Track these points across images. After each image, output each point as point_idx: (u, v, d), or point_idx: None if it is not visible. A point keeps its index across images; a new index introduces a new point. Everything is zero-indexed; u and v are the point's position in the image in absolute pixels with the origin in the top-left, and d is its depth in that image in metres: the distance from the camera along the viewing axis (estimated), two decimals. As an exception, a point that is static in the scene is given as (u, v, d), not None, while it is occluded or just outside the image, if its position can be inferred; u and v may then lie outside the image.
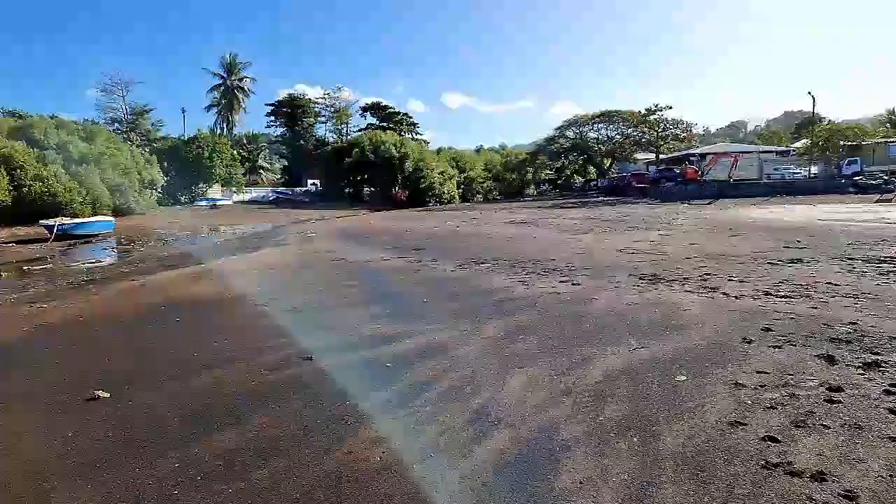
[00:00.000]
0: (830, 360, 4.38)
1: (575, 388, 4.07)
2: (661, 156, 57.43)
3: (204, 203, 46.87)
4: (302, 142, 68.82)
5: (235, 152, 55.30)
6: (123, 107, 55.93)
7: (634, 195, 42.62)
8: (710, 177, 41.75)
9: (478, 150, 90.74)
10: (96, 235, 24.00)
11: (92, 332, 6.61)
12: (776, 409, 3.54)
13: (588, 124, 62.16)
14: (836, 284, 7.28)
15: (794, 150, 51.51)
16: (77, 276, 12.27)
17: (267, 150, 78.42)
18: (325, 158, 58.55)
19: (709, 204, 30.95)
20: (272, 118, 71.69)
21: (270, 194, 56.91)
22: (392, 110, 74.73)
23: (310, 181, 64.14)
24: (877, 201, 26.25)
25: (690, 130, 58.40)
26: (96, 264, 15.39)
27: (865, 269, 8.24)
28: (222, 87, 69.02)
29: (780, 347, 4.76)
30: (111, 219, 27.03)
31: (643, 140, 59.23)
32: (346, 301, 7.84)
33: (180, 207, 43.85)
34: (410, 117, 77.12)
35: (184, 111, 66.97)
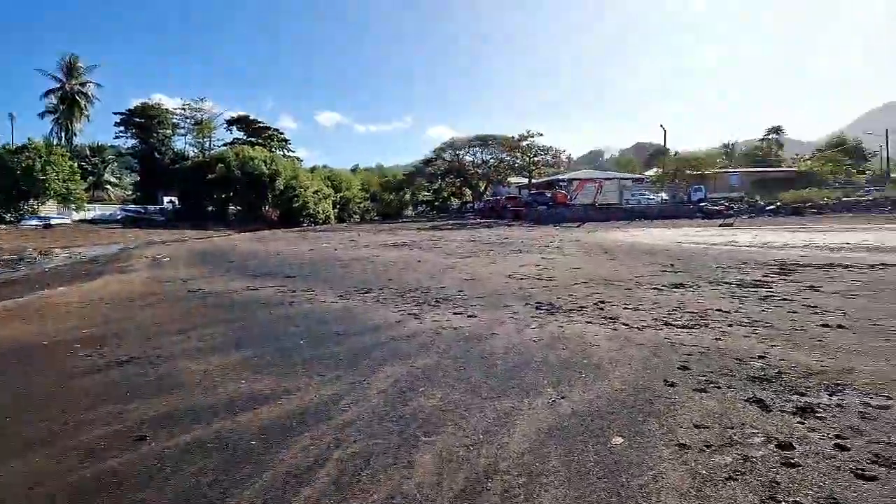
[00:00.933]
0: (762, 405, 4.00)
1: (499, 465, 3.23)
2: (533, 180, 60.39)
3: (35, 222, 40.46)
4: (157, 155, 62.56)
5: (76, 165, 48.50)
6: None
7: (509, 217, 44.08)
8: (577, 201, 44.44)
9: (354, 170, 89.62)
10: None
11: None
12: (736, 480, 2.97)
13: (464, 148, 63.87)
14: (725, 311, 7.30)
15: (647, 178, 56.85)
16: None
17: (115, 164, 70.25)
18: (184, 174, 53.46)
19: (578, 227, 32.63)
20: (122, 128, 64.66)
21: (118, 212, 50.86)
22: (262, 125, 71.01)
23: (166, 198, 58.35)
24: (720, 225, 29.35)
25: (559, 156, 62.19)
26: None
27: (745, 294, 8.47)
28: (60, 92, 60.79)
29: (705, 391, 4.34)
30: None
31: (516, 164, 61.96)
32: (200, 346, 6.38)
33: (4, 227, 37.36)
34: (282, 133, 73.87)
35: (12, 116, 57.87)
